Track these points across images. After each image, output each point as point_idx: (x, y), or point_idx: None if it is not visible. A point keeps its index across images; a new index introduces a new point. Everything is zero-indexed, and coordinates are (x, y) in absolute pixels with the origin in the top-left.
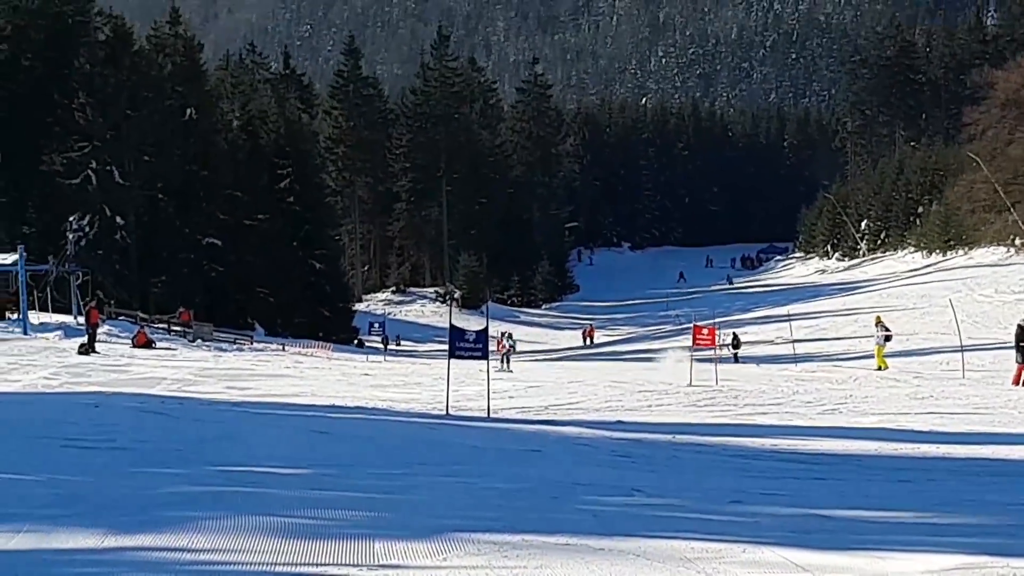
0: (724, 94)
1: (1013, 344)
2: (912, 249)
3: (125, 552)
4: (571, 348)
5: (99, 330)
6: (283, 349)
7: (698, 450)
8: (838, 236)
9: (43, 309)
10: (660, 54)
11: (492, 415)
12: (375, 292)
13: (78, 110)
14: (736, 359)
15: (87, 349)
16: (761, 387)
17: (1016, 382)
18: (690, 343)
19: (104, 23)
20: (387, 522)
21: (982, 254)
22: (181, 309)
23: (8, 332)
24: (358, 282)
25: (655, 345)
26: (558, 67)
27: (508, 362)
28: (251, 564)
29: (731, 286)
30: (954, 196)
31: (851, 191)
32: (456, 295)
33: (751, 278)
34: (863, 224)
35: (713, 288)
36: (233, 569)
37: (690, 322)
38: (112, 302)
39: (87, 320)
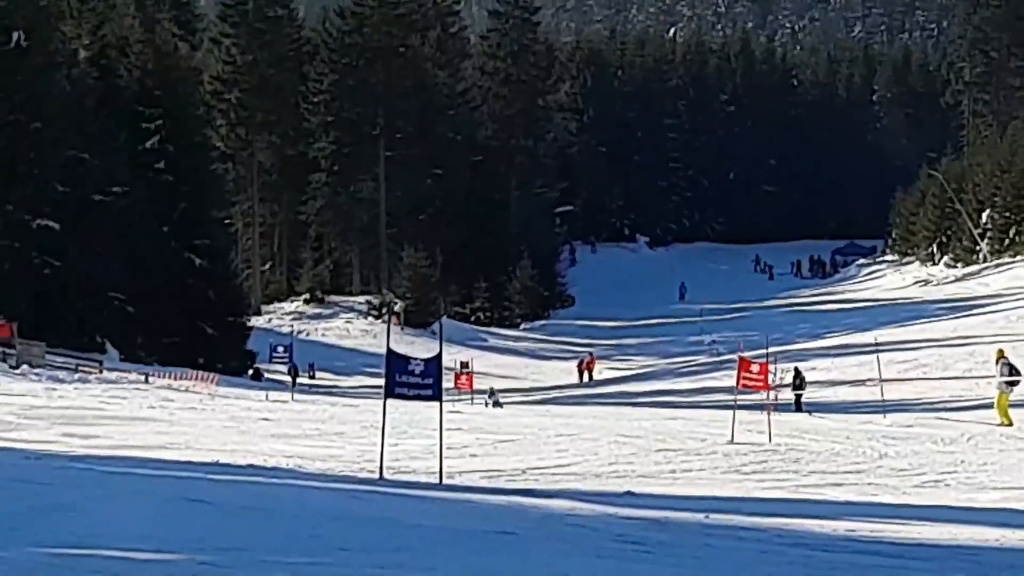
0: (787, 25)
1: None
2: None
3: None
4: (561, 386)
5: None
6: (146, 381)
7: (741, 536)
8: (948, 232)
9: None
10: None
11: (446, 481)
12: (281, 301)
13: None
14: (799, 406)
15: None
16: (834, 447)
17: None
18: (734, 383)
19: None
20: None
21: None
22: None
23: None
24: (256, 286)
25: (683, 384)
26: None
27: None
28: None
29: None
30: None
31: (969, 168)
32: (397, 307)
33: (822, 290)
34: (984, 216)
35: (766, 304)
36: None
37: (733, 352)
38: None
39: None
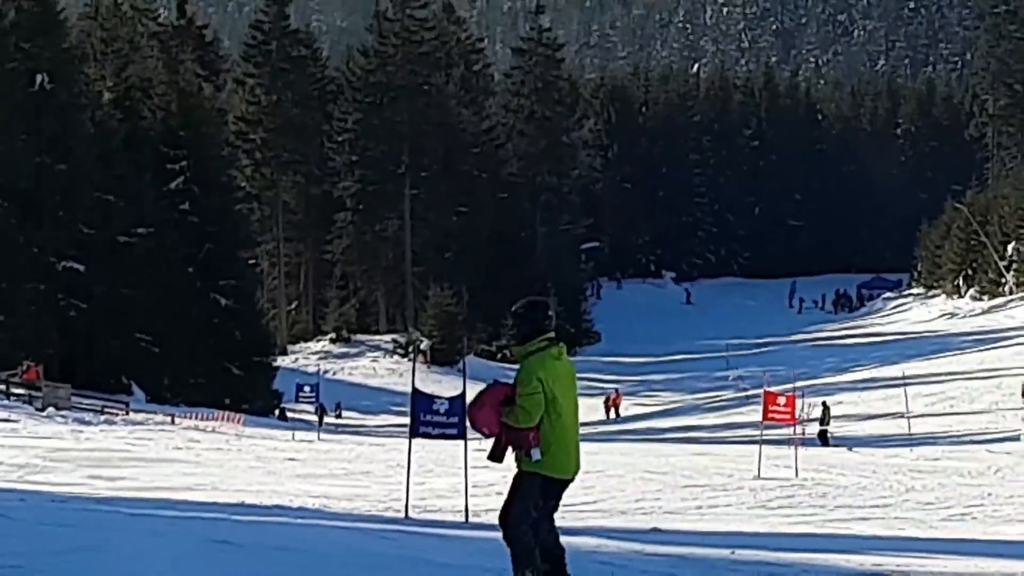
0: (811, 59)
1: None
2: None
3: None
4: (587, 423)
5: None
6: (172, 422)
7: (769, 572)
8: (974, 265)
9: None
10: (720, 1)
11: (472, 519)
12: (307, 341)
13: None
14: (825, 440)
15: None
16: (861, 481)
17: None
18: (760, 418)
19: None
20: None
21: None
22: (27, 363)
23: None
24: (282, 326)
25: (709, 419)
26: (572, 18)
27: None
28: None
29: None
30: None
31: (994, 200)
32: (423, 346)
33: (849, 323)
34: (1010, 248)
35: (792, 338)
36: None
37: (759, 387)
38: None
39: None
